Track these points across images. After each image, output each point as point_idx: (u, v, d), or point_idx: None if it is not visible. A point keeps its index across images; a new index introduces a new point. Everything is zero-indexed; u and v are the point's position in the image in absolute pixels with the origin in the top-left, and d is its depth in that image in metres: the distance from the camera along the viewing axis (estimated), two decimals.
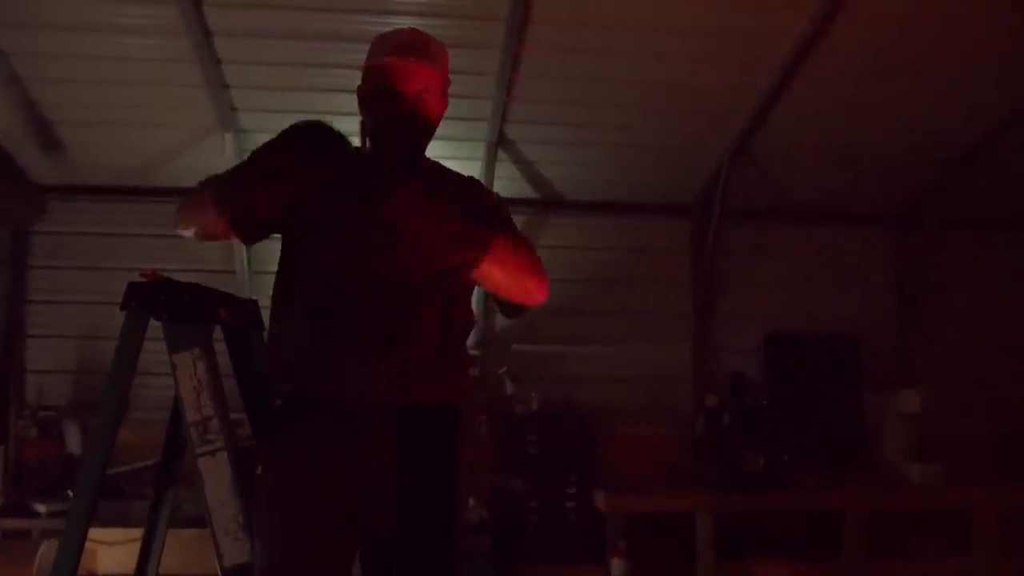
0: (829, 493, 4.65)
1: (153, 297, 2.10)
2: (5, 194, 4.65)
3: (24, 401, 4.76)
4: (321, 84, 4.04)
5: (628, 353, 5.17)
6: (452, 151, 4.42)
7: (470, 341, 2.09)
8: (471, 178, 2.07)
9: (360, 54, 2.00)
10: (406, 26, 2.00)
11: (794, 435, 4.84)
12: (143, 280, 2.13)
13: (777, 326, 5.30)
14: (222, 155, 4.50)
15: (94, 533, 2.20)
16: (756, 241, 5.34)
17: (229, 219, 1.81)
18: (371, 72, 1.92)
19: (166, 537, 2.56)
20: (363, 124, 1.95)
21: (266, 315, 2.10)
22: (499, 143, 4.64)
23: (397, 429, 1.80)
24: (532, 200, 5.10)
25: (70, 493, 3.83)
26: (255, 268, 4.75)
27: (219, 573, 2.06)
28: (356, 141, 1.95)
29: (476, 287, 1.96)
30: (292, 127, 1.86)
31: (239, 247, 4.55)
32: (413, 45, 1.91)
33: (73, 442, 4.59)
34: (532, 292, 1.92)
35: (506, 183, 4.81)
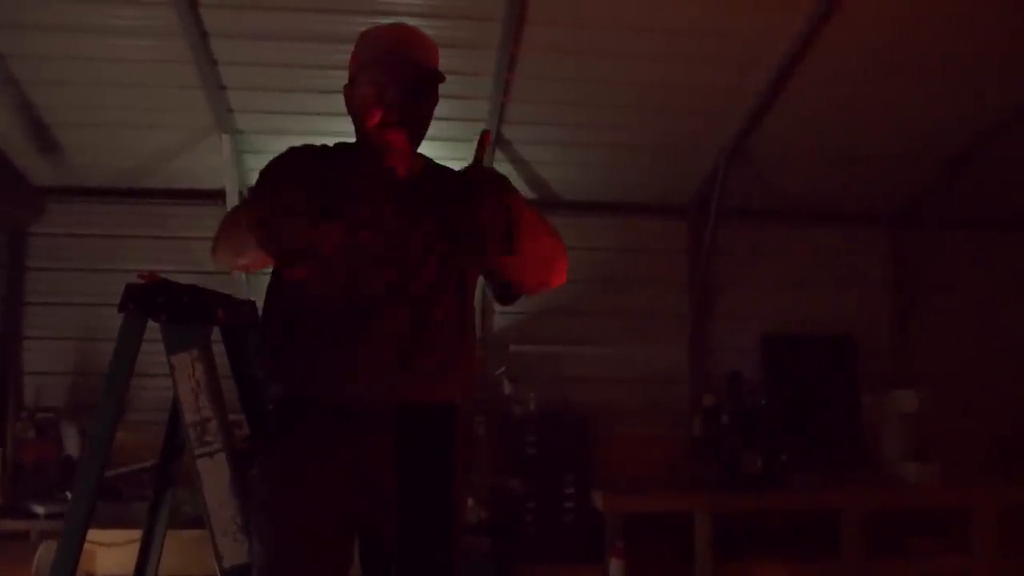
0: (827, 493, 4.66)
1: (151, 298, 2.10)
2: (2, 196, 4.64)
3: (22, 403, 4.76)
4: (318, 85, 4.05)
5: (625, 353, 5.18)
6: (448, 151, 4.40)
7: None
8: (464, 170, 2.05)
9: None
10: (394, 22, 1.96)
11: (791, 435, 4.85)
12: (141, 282, 2.13)
13: (774, 326, 5.31)
14: (219, 156, 4.51)
15: (92, 534, 2.20)
16: (753, 241, 5.35)
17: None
18: (364, 68, 1.88)
19: (165, 538, 2.57)
20: (356, 122, 1.93)
21: None
22: (496, 143, 4.64)
23: (395, 429, 1.80)
24: (529, 200, 5.08)
25: (68, 495, 3.83)
26: None
27: (218, 574, 2.06)
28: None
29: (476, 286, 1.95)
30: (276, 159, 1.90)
31: None
32: (407, 40, 1.88)
33: (71, 444, 4.59)
34: (560, 271, 1.97)
35: None
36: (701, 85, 4.31)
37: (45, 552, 3.76)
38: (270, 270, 2.00)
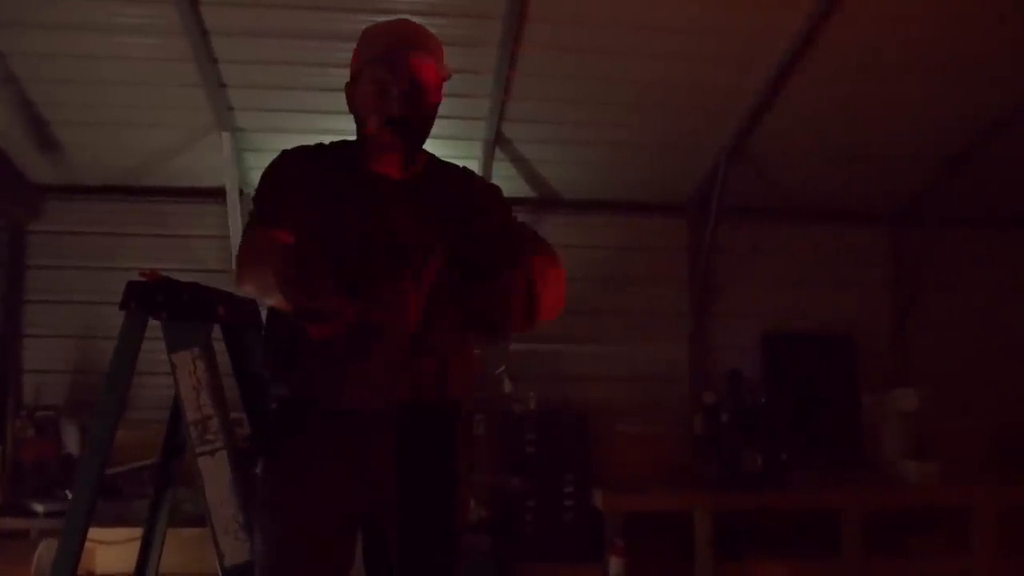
0: (826, 492, 4.66)
1: (152, 296, 2.10)
2: (1, 194, 4.64)
3: (21, 401, 4.75)
4: (318, 83, 4.05)
5: (626, 352, 5.18)
6: (449, 150, 4.38)
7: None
8: (465, 168, 2.05)
9: None
10: (396, 18, 1.94)
11: (791, 434, 4.85)
12: (142, 279, 2.12)
13: (774, 325, 5.31)
14: (219, 154, 4.50)
15: (93, 533, 2.20)
16: (753, 240, 5.35)
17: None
18: (367, 66, 1.86)
19: (165, 536, 2.57)
20: (358, 121, 1.91)
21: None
22: (496, 142, 4.65)
23: (397, 429, 1.79)
24: (529, 199, 5.10)
25: (68, 493, 3.84)
26: None
27: (219, 572, 2.06)
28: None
29: None
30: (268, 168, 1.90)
31: (236, 245, 4.55)
32: (414, 38, 1.86)
33: (71, 442, 4.59)
34: (557, 306, 1.77)
35: (503, 182, 4.79)
36: (701, 83, 4.31)
37: (45, 550, 3.76)
38: None
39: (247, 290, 1.83)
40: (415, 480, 1.75)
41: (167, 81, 4.15)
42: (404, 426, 1.77)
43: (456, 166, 2.03)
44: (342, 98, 1.94)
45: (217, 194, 4.71)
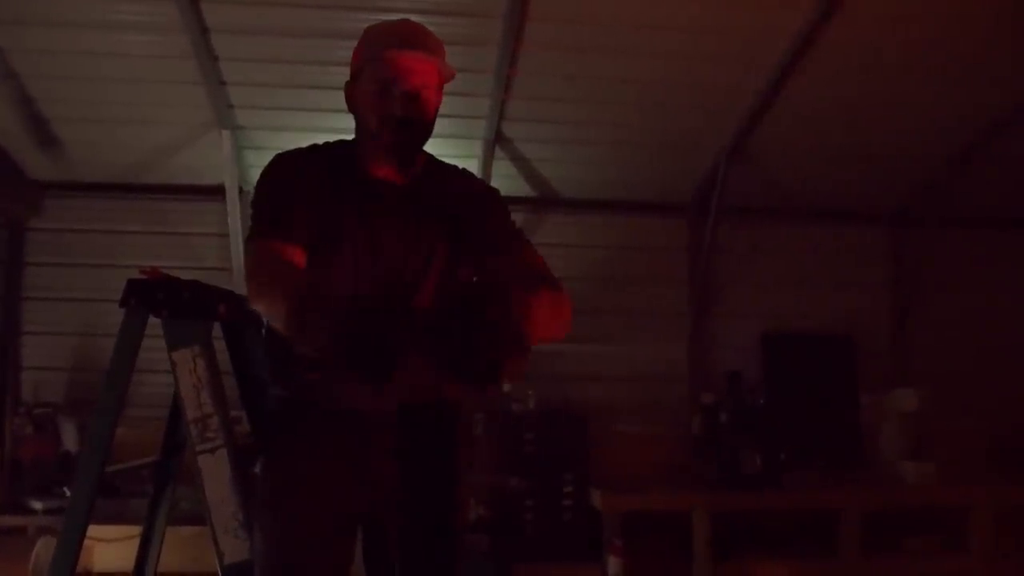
0: (825, 492, 4.66)
1: (153, 294, 2.10)
2: (1, 191, 4.64)
3: (20, 398, 4.75)
4: (319, 81, 4.04)
5: (625, 352, 5.18)
6: (450, 149, 4.41)
7: None
8: (464, 169, 2.04)
9: None
10: (398, 18, 1.92)
11: (791, 434, 4.86)
12: (143, 277, 2.12)
13: (774, 325, 5.31)
14: (219, 152, 4.50)
15: (92, 530, 2.20)
16: (753, 240, 5.35)
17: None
18: (368, 65, 1.84)
19: (165, 534, 2.57)
20: (358, 120, 1.90)
21: None
22: (496, 141, 4.64)
23: (398, 428, 1.79)
24: (529, 198, 5.10)
25: (66, 490, 3.84)
26: None
27: (219, 571, 2.06)
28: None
29: None
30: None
31: (235, 243, 4.56)
32: (416, 38, 1.84)
33: (69, 439, 4.58)
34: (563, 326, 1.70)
35: (503, 181, 4.80)
36: (701, 83, 4.30)
37: (43, 548, 3.76)
38: None
39: (258, 310, 1.80)
40: (415, 480, 1.75)
41: (167, 78, 4.15)
42: (404, 426, 1.76)
43: (455, 167, 2.02)
44: (342, 96, 1.92)
45: (217, 192, 4.71)
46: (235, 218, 4.59)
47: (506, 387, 4.86)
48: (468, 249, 1.91)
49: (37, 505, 4.19)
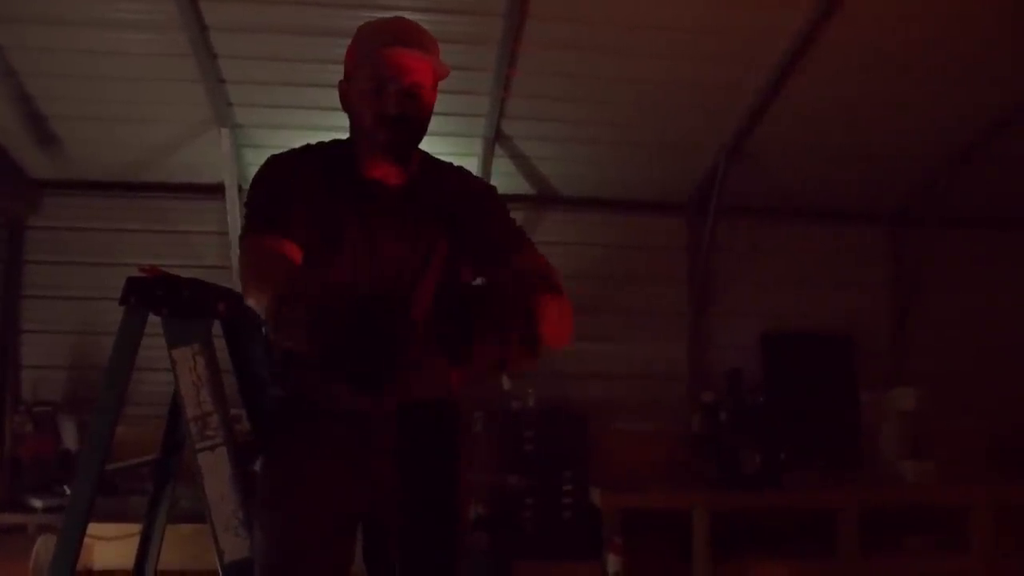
0: (825, 491, 4.67)
1: (152, 292, 2.10)
2: (0, 190, 4.63)
3: (20, 397, 4.75)
4: (318, 79, 4.03)
5: (625, 350, 5.18)
6: (449, 147, 4.42)
7: None
8: (460, 167, 2.03)
9: None
10: (392, 16, 1.90)
11: (790, 433, 4.85)
12: (143, 275, 2.12)
13: (773, 324, 5.31)
14: (218, 150, 4.50)
15: (91, 529, 2.19)
16: (752, 239, 5.35)
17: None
18: (362, 64, 1.83)
19: (165, 532, 2.57)
20: (353, 119, 1.89)
21: None
22: (496, 139, 4.64)
23: (397, 427, 1.79)
24: (529, 196, 5.10)
25: (66, 488, 3.83)
26: None
27: (219, 569, 2.05)
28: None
29: None
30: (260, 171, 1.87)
31: (234, 241, 4.55)
32: (411, 35, 1.83)
33: (69, 438, 4.58)
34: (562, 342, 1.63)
35: (503, 179, 4.81)
36: (701, 82, 4.30)
37: (43, 546, 3.76)
38: None
39: (250, 304, 1.79)
40: (415, 479, 1.75)
41: (166, 76, 4.14)
42: (404, 426, 1.76)
43: (450, 165, 2.01)
44: None
45: (216, 190, 4.71)
46: (234, 216, 4.58)
47: (507, 385, 4.86)
48: (467, 248, 1.90)
49: (37, 503, 4.19)
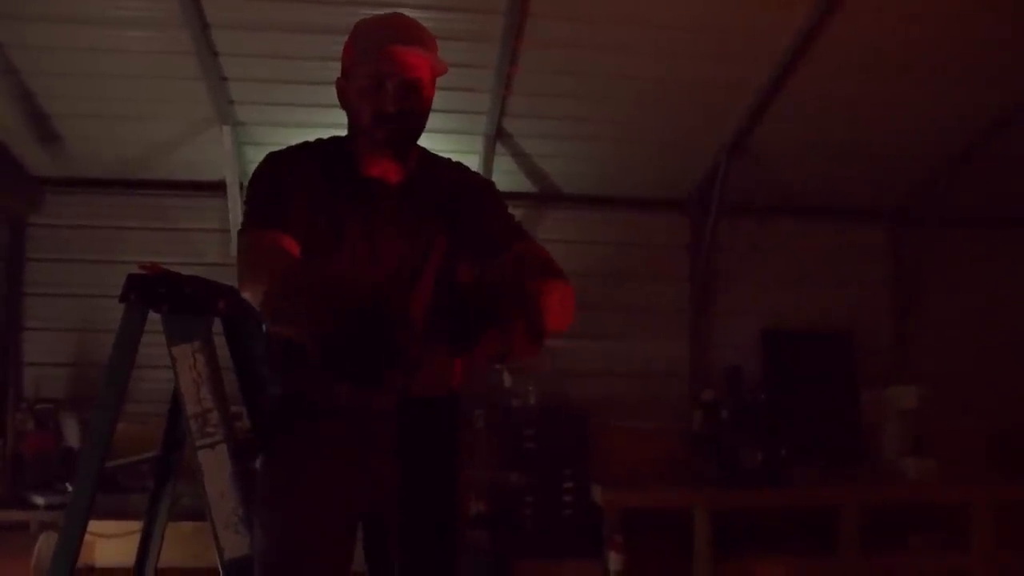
0: (825, 489, 4.67)
1: (153, 289, 2.10)
2: (1, 186, 4.63)
3: (22, 394, 4.75)
4: (319, 77, 4.01)
5: (625, 348, 5.18)
6: (450, 144, 4.42)
7: None
8: (458, 162, 2.03)
9: None
10: (389, 12, 1.89)
11: (791, 431, 4.85)
12: (143, 272, 2.12)
13: (774, 322, 5.31)
14: (220, 148, 4.50)
15: (92, 526, 2.20)
16: (753, 237, 5.35)
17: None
18: (360, 60, 1.83)
19: (165, 530, 2.57)
20: (350, 116, 1.89)
21: None
22: (497, 137, 4.64)
23: (397, 424, 1.79)
24: (530, 194, 5.10)
25: (68, 486, 3.84)
26: None
27: (219, 566, 2.06)
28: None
29: None
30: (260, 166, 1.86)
31: (235, 239, 4.55)
32: (408, 32, 1.83)
33: (70, 435, 4.58)
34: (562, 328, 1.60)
35: (504, 177, 4.81)
36: (703, 80, 4.30)
37: (45, 543, 3.77)
38: None
39: (245, 297, 1.79)
40: (416, 476, 1.75)
41: (168, 74, 4.14)
42: (404, 423, 1.76)
43: (448, 160, 2.01)
44: None
45: (217, 188, 4.71)
46: (235, 214, 4.59)
47: (507, 382, 4.86)
48: (466, 243, 1.90)
49: (39, 500, 4.19)
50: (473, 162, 4.60)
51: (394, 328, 1.35)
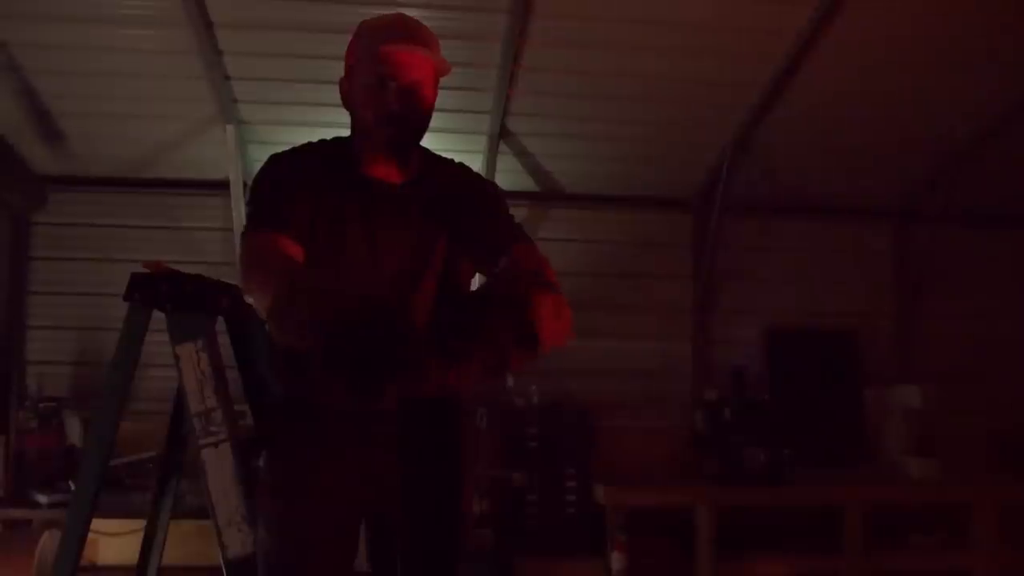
0: (829, 488, 4.66)
1: (156, 288, 2.10)
2: (5, 184, 4.64)
3: (25, 392, 4.75)
4: (323, 76, 4.02)
5: (628, 347, 5.17)
6: (453, 144, 4.42)
7: None
8: (461, 163, 2.03)
9: None
10: (392, 12, 1.90)
11: (794, 430, 4.84)
12: (146, 271, 2.12)
13: (777, 320, 5.30)
14: (223, 147, 4.50)
15: (95, 524, 2.21)
16: (757, 236, 5.34)
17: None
18: (363, 60, 1.83)
19: (168, 528, 2.57)
20: (353, 116, 1.89)
21: None
22: (501, 136, 4.64)
23: (400, 424, 1.79)
24: (533, 193, 5.09)
25: (71, 484, 3.84)
26: None
27: (222, 565, 2.06)
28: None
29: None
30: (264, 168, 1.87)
31: (239, 238, 4.55)
32: (411, 32, 1.83)
33: (74, 433, 4.59)
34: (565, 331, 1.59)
35: (507, 176, 4.81)
36: (706, 78, 4.29)
37: (48, 541, 3.77)
38: None
39: (249, 301, 1.79)
40: (418, 475, 1.75)
41: (171, 73, 4.14)
42: (406, 422, 1.76)
43: (451, 161, 2.01)
44: None
45: (221, 186, 4.71)
46: (239, 213, 4.59)
47: (510, 382, 4.86)
48: (468, 246, 1.90)
49: (42, 499, 4.20)
50: (476, 161, 4.60)
51: (395, 343, 1.37)
